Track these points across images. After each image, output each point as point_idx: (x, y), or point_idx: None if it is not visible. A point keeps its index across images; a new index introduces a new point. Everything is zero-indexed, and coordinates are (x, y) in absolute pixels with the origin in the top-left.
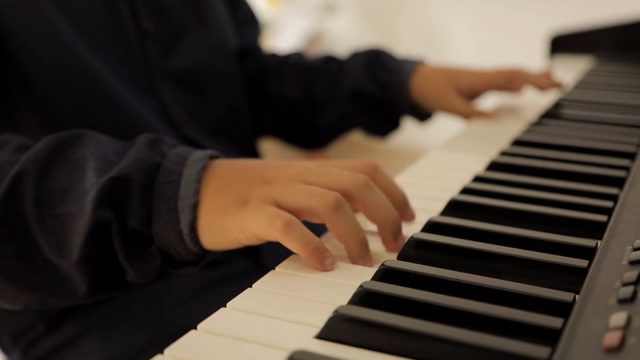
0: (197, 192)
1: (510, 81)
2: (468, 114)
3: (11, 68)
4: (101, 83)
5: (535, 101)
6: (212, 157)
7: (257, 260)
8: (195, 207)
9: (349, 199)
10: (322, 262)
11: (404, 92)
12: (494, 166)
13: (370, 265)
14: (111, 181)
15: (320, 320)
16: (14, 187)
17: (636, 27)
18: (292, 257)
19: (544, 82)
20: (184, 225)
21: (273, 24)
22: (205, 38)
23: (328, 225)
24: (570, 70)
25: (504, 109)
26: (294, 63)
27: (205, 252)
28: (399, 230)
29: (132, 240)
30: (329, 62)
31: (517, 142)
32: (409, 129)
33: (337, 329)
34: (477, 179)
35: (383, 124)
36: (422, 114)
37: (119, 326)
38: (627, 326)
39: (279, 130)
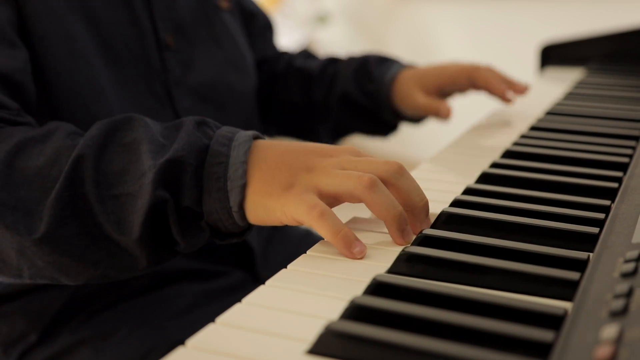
0: (245, 174)
1: (471, 79)
2: (428, 108)
3: (36, 71)
4: (112, 94)
5: (526, 112)
6: (255, 138)
7: (253, 272)
8: (244, 188)
9: (384, 184)
10: (350, 249)
11: (386, 101)
12: (484, 178)
13: (409, 242)
14: (167, 163)
15: (311, 335)
16: (74, 171)
17: (628, 37)
18: (282, 271)
19: (501, 86)
20: (234, 203)
21: None
22: (219, 55)
23: (366, 204)
24: (562, 82)
25: (495, 120)
26: (298, 67)
27: (249, 225)
28: (426, 215)
29: (184, 216)
30: (328, 66)
31: (508, 154)
32: (402, 141)
33: (328, 344)
34: (468, 191)
35: (379, 127)
36: (412, 119)
37: (114, 338)
38: (619, 339)
39: (288, 132)
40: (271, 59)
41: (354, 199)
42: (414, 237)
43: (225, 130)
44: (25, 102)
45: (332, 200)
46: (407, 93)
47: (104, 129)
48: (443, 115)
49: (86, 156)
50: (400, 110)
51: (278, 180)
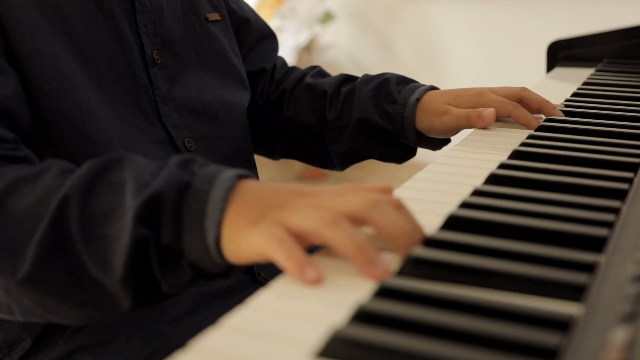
0: (222, 210)
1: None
2: (469, 116)
3: (25, 94)
4: (101, 113)
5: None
6: (242, 177)
7: (251, 273)
8: (219, 225)
9: (361, 221)
10: (302, 271)
11: (410, 124)
12: (493, 179)
13: (380, 275)
14: (146, 199)
15: (318, 339)
16: (60, 211)
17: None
18: (287, 275)
19: (548, 111)
20: (210, 241)
21: None
22: (208, 68)
23: (326, 244)
24: (571, 82)
25: (502, 120)
26: (309, 84)
27: (232, 266)
28: (411, 245)
29: (165, 254)
30: (342, 85)
31: (516, 154)
32: None
33: (336, 349)
34: (476, 192)
35: (396, 152)
36: (434, 143)
37: (112, 344)
38: (629, 343)
39: (297, 153)
40: (273, 71)
41: (318, 238)
42: (387, 269)
43: (212, 168)
44: (20, 128)
45: (300, 239)
46: (440, 110)
47: (93, 169)
48: (485, 120)
49: (72, 196)
50: (425, 132)
51: (249, 215)
